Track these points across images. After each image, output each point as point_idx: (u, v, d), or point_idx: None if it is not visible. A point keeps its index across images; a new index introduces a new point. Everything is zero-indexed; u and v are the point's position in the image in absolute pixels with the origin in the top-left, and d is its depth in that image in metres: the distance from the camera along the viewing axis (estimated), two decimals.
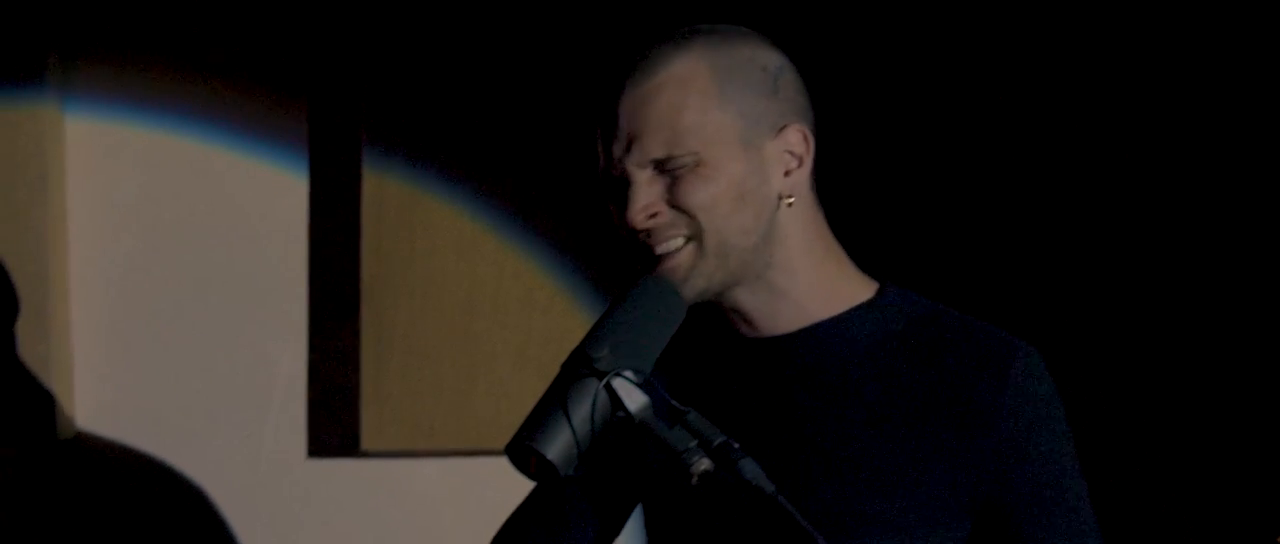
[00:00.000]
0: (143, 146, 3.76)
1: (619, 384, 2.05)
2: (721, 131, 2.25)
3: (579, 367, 2.07)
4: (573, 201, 3.79)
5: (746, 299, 2.32)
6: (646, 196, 2.24)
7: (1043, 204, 3.73)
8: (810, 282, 2.31)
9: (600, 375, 2.05)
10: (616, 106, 2.26)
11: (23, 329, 3.66)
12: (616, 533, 2.48)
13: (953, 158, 3.75)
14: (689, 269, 2.25)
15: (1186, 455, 3.64)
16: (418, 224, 3.77)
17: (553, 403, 2.07)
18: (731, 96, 2.25)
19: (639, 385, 2.06)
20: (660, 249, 2.25)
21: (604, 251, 3.76)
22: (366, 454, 3.81)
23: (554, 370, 2.10)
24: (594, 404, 2.05)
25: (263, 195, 3.80)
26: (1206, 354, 3.65)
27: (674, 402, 2.03)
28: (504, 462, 2.10)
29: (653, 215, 2.24)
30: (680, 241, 2.25)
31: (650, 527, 2.44)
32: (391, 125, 3.77)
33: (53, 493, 3.76)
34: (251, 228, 3.81)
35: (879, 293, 2.34)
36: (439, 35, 3.77)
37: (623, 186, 2.26)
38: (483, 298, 3.78)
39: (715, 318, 2.35)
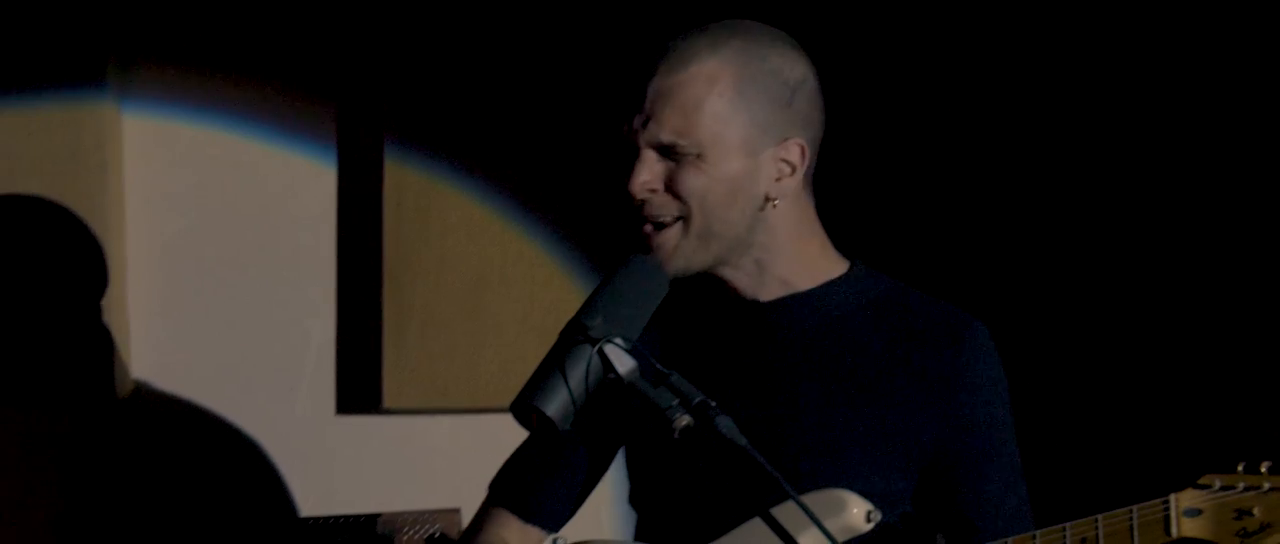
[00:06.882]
0: (191, 141, 3.88)
1: (610, 350, 2.22)
2: (729, 134, 2.33)
3: (575, 334, 2.24)
4: (571, 190, 3.88)
5: (732, 273, 2.42)
6: (648, 173, 2.35)
7: (994, 197, 3.72)
8: (791, 258, 2.44)
9: (593, 342, 2.22)
10: (646, 82, 2.32)
11: (85, 302, 3.77)
12: (600, 476, 2.59)
13: (916, 151, 3.74)
14: (674, 247, 2.37)
15: (1106, 419, 3.65)
16: (434, 210, 3.85)
17: (552, 366, 2.23)
18: (748, 103, 2.33)
19: (627, 350, 2.22)
20: (651, 222, 2.36)
21: (598, 234, 3.85)
22: (388, 412, 3.90)
23: (553, 337, 2.28)
24: (588, 367, 2.22)
25: (296, 184, 3.92)
26: (1130, 327, 3.64)
27: (658, 365, 2.20)
28: (510, 418, 2.28)
29: (651, 192, 2.36)
30: (669, 220, 2.36)
31: (633, 473, 2.58)
32: (411, 123, 3.87)
33: (112, 444, 3.86)
34: (287, 213, 3.93)
35: (850, 269, 2.48)
36: (454, 43, 3.85)
37: (633, 154, 2.35)
38: (491, 274, 3.86)
39: (711, 282, 2.44)
